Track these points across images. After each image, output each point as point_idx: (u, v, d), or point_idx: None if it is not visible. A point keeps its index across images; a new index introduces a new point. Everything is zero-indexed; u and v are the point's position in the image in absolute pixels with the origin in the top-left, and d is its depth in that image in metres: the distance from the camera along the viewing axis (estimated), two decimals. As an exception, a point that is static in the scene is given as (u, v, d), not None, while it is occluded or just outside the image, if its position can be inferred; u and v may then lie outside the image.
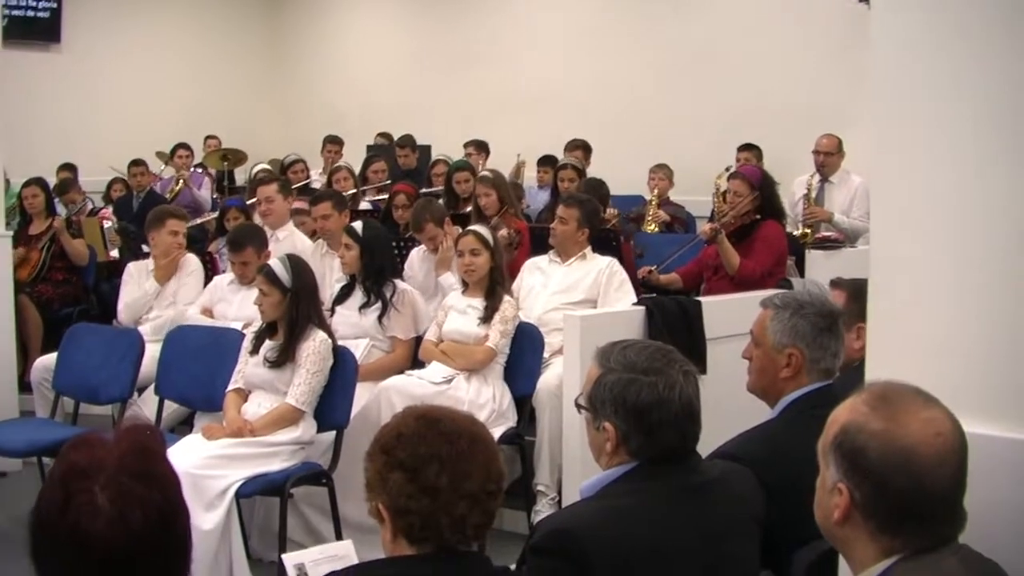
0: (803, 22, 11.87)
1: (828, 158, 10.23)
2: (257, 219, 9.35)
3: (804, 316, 3.99)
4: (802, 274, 8.62)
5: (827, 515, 2.67)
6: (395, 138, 14.45)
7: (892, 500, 2.56)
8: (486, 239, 7.32)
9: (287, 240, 8.90)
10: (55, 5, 16.23)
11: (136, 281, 8.73)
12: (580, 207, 7.96)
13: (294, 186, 11.74)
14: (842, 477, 2.61)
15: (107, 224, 11.87)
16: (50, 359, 8.13)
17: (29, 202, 10.97)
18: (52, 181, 12.36)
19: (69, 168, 14.28)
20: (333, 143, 14.10)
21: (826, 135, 10.32)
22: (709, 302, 7.21)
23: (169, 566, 2.33)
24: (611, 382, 3.29)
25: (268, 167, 12.33)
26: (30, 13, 15.96)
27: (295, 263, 6.69)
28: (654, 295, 7.75)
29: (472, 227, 7.61)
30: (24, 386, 8.99)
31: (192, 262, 8.78)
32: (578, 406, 3.45)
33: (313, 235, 9.30)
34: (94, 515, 2.23)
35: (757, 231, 8.35)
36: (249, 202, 9.86)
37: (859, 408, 2.64)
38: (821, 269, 8.33)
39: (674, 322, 6.80)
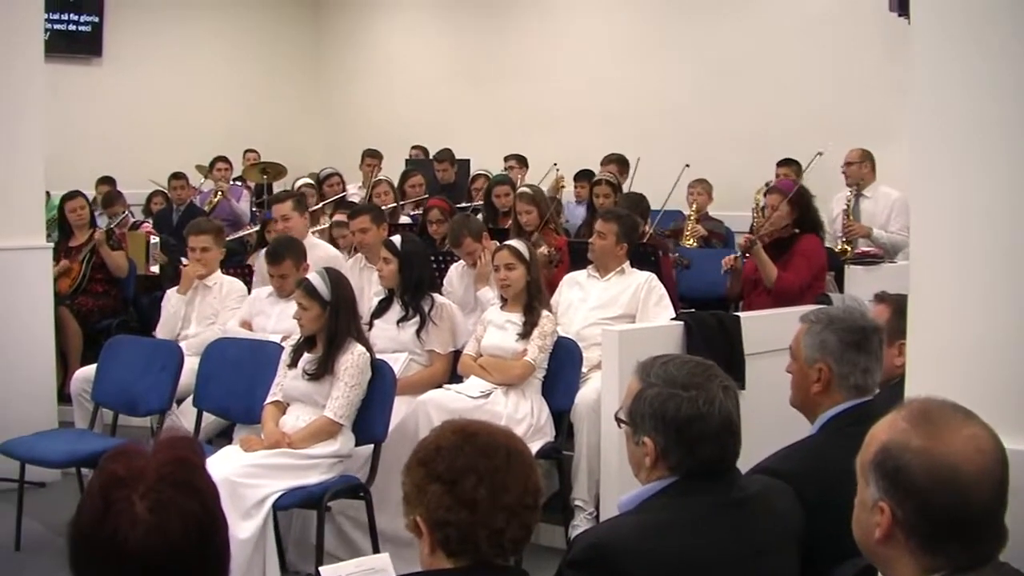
0: (842, 36, 11.82)
1: (849, 168, 10.21)
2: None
3: (833, 331, 3.98)
4: (841, 289, 8.58)
5: (867, 533, 2.65)
6: (430, 152, 14.46)
7: (935, 518, 2.54)
8: (521, 253, 7.32)
9: (312, 251, 8.90)
10: (97, 19, 16.33)
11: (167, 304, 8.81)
12: (619, 222, 7.95)
13: (329, 199, 11.77)
14: (883, 495, 2.59)
15: (153, 240, 11.93)
16: (89, 371, 8.16)
17: (77, 214, 11.02)
18: (91, 194, 12.42)
19: (108, 181, 14.35)
20: (372, 157, 14.12)
21: (854, 148, 10.30)
22: (748, 317, 7.19)
23: (206, 574, 2.34)
24: (651, 396, 3.29)
25: (309, 180, 12.36)
26: (72, 27, 16.08)
27: (334, 276, 6.70)
28: (692, 310, 7.72)
29: (508, 241, 7.60)
30: (64, 397, 9.04)
31: (237, 287, 8.81)
32: (618, 420, 3.44)
33: (352, 249, 9.31)
34: (133, 524, 2.24)
35: (795, 245, 8.32)
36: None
37: (899, 425, 2.63)
38: (861, 284, 8.30)
39: (713, 337, 6.78)
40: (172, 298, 8.74)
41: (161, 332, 8.68)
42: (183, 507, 2.27)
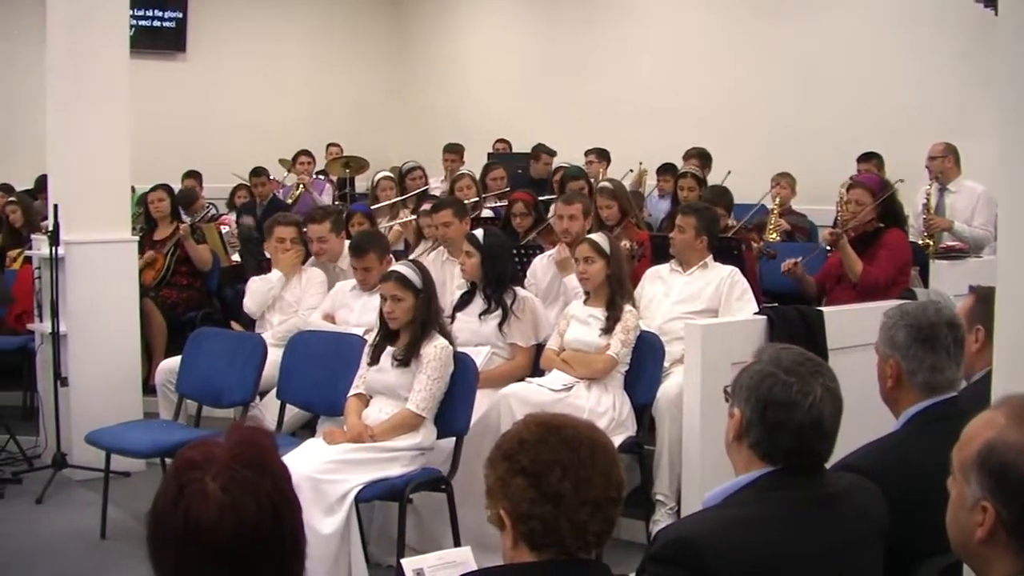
0: (924, 29, 11.68)
1: (933, 162, 10.12)
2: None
3: (903, 327, 3.95)
4: (926, 284, 8.51)
5: (966, 533, 2.59)
6: (513, 145, 14.46)
7: None
8: (601, 247, 7.29)
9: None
10: (181, 15, 16.54)
11: (261, 279, 8.85)
12: (697, 215, 7.92)
13: (411, 193, 11.79)
14: (987, 495, 2.53)
15: (225, 229, 12.03)
16: (174, 362, 8.25)
17: (155, 207, 11.14)
18: (176, 187, 12.53)
19: (194, 175, 14.51)
20: (452, 151, 14.15)
21: (938, 142, 10.21)
22: (831, 312, 7.13)
23: (283, 558, 2.35)
24: (754, 371, 3.31)
25: (390, 174, 12.38)
26: (156, 23, 16.31)
27: (420, 265, 6.75)
28: (776, 304, 7.68)
29: (589, 235, 7.58)
30: (148, 389, 9.13)
31: (317, 275, 8.85)
32: (725, 391, 3.43)
33: (434, 242, 9.32)
34: (205, 503, 2.27)
35: (880, 239, 8.26)
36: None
37: (1000, 422, 2.57)
38: (946, 279, 8.24)
39: (796, 332, 6.73)
40: (273, 274, 8.81)
41: (250, 301, 8.79)
42: (256, 485, 2.29)
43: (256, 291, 8.78)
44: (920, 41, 11.70)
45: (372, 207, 10.97)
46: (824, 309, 7.21)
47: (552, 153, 13.46)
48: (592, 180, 10.93)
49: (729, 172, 11.20)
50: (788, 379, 3.23)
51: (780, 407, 3.21)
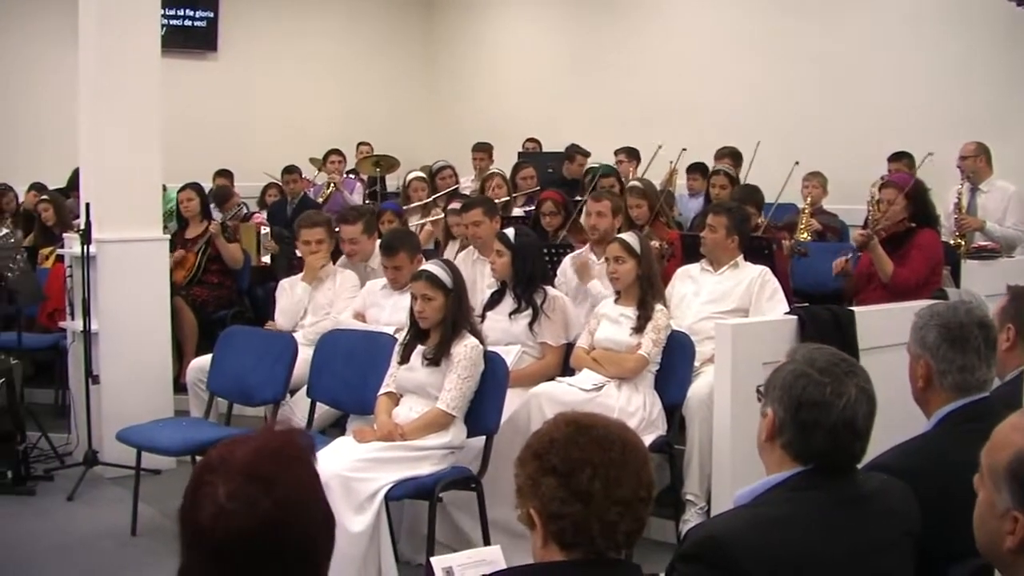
0: (955, 28, 11.64)
1: (964, 162, 10.08)
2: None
3: (933, 327, 3.94)
4: (958, 284, 8.47)
5: (995, 540, 2.57)
6: (543, 144, 14.45)
7: None
8: (632, 247, 7.28)
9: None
10: (212, 15, 16.61)
11: (288, 293, 8.85)
12: (728, 215, 7.91)
13: (442, 192, 11.81)
14: (1018, 506, 2.52)
15: (264, 230, 12.06)
16: (204, 360, 8.28)
17: (185, 206, 11.19)
18: (208, 186, 12.56)
19: (225, 174, 14.55)
20: (481, 150, 14.19)
21: (970, 142, 10.17)
22: (862, 312, 7.09)
23: (284, 569, 2.36)
24: (787, 370, 3.30)
25: (421, 173, 12.41)
26: (188, 23, 16.40)
27: (450, 265, 6.75)
28: (807, 304, 7.66)
29: (620, 235, 7.57)
30: (179, 387, 9.17)
31: (350, 278, 8.86)
32: (757, 391, 3.43)
33: (463, 241, 9.32)
34: (205, 507, 2.30)
35: (912, 239, 8.23)
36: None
37: None
38: (977, 279, 8.19)
39: (827, 332, 6.69)
40: (297, 287, 8.81)
41: (282, 319, 8.76)
42: (254, 501, 2.29)
43: (285, 310, 8.80)
44: (952, 40, 11.66)
45: (404, 207, 10.99)
46: (855, 309, 7.18)
47: (586, 154, 13.44)
48: (623, 179, 10.93)
49: (759, 142, 11.13)
50: (822, 379, 3.23)
51: (814, 407, 3.21)
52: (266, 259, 11.92)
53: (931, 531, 3.41)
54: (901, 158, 10.92)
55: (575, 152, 13.48)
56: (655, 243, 8.57)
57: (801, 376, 3.25)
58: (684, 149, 11.92)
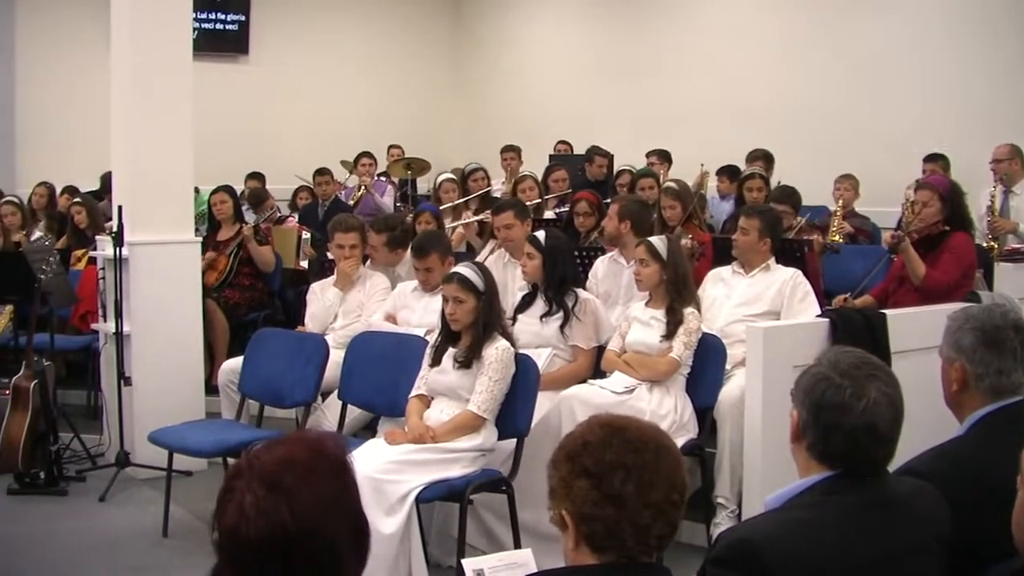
0: (989, 30, 11.59)
1: (998, 164, 10.05)
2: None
3: (968, 330, 3.91)
4: (991, 287, 8.43)
5: None
6: (574, 147, 14.45)
7: None
8: (657, 251, 7.26)
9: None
10: (243, 18, 16.68)
11: (319, 298, 8.87)
12: (761, 217, 7.89)
13: (473, 195, 11.81)
14: None
15: (305, 235, 12.09)
16: (236, 362, 8.30)
17: (218, 208, 11.23)
18: (239, 189, 12.60)
19: (257, 177, 14.59)
20: (510, 151, 14.18)
21: (1003, 144, 10.13)
22: (894, 315, 7.07)
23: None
24: (811, 373, 3.31)
25: (452, 176, 12.41)
26: (219, 26, 16.49)
27: (482, 267, 6.76)
28: (838, 307, 7.63)
29: (649, 238, 7.55)
30: (211, 388, 9.20)
31: (381, 281, 8.86)
32: (791, 394, 3.42)
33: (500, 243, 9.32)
34: (230, 513, 2.34)
35: (945, 242, 8.18)
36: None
37: None
38: (1010, 282, 8.16)
39: (859, 335, 6.67)
40: (328, 292, 8.82)
41: (312, 324, 8.78)
42: (274, 511, 2.32)
43: (316, 315, 8.84)
44: (985, 41, 11.61)
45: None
46: (887, 312, 7.16)
47: (606, 155, 13.42)
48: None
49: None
50: (842, 382, 3.22)
51: (832, 410, 3.21)
52: (303, 264, 11.95)
53: (966, 534, 3.39)
54: (936, 159, 10.89)
55: (595, 154, 13.46)
56: (685, 241, 8.57)
57: (822, 379, 3.26)
58: (703, 167, 11.92)
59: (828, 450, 3.22)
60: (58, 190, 13.34)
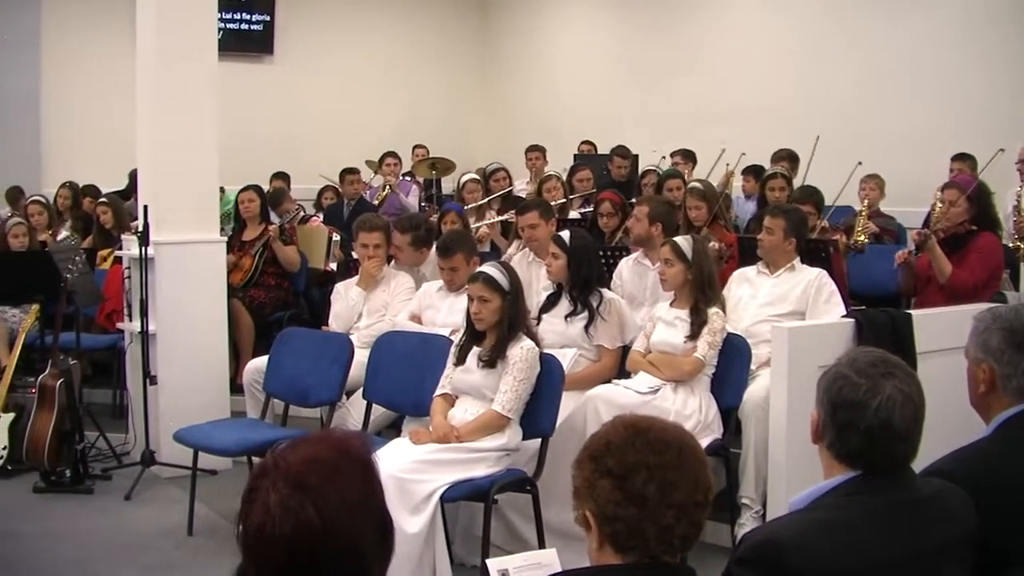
0: (1017, 27, 11.55)
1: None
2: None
3: (996, 331, 3.87)
4: (1017, 287, 8.41)
5: None
6: (598, 147, 14.43)
7: None
8: (682, 251, 7.25)
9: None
10: (268, 18, 16.75)
11: (343, 297, 8.87)
12: (786, 217, 7.87)
13: (495, 194, 11.81)
14: None
15: (336, 238, 12.11)
16: (261, 362, 8.31)
17: (245, 207, 11.26)
18: (265, 188, 12.62)
19: (282, 176, 14.62)
20: (535, 151, 14.18)
21: None
22: (920, 315, 7.05)
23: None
24: (830, 373, 3.30)
25: (476, 176, 12.42)
26: (244, 27, 16.55)
27: (507, 267, 6.76)
28: (864, 307, 7.62)
29: (674, 238, 7.53)
30: (236, 388, 9.22)
31: (405, 281, 8.87)
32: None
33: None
34: (256, 512, 2.34)
35: (972, 242, 8.17)
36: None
37: None
38: (1037, 282, 8.14)
39: (884, 335, 6.65)
40: (352, 292, 8.83)
41: (336, 324, 8.78)
42: (299, 510, 2.32)
43: (339, 315, 8.83)
44: (1013, 39, 11.56)
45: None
46: (913, 312, 7.14)
47: (626, 156, 13.40)
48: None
49: (818, 137, 11.03)
50: (858, 380, 3.21)
51: (848, 408, 3.20)
52: (332, 265, 11.96)
53: (993, 535, 3.38)
54: (964, 159, 10.84)
55: (616, 154, 13.45)
56: (713, 244, 8.55)
57: (839, 378, 3.25)
58: (743, 154, 11.91)
59: (846, 449, 3.21)
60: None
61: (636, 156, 13.55)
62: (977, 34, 11.87)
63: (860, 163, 10.26)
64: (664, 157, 12.85)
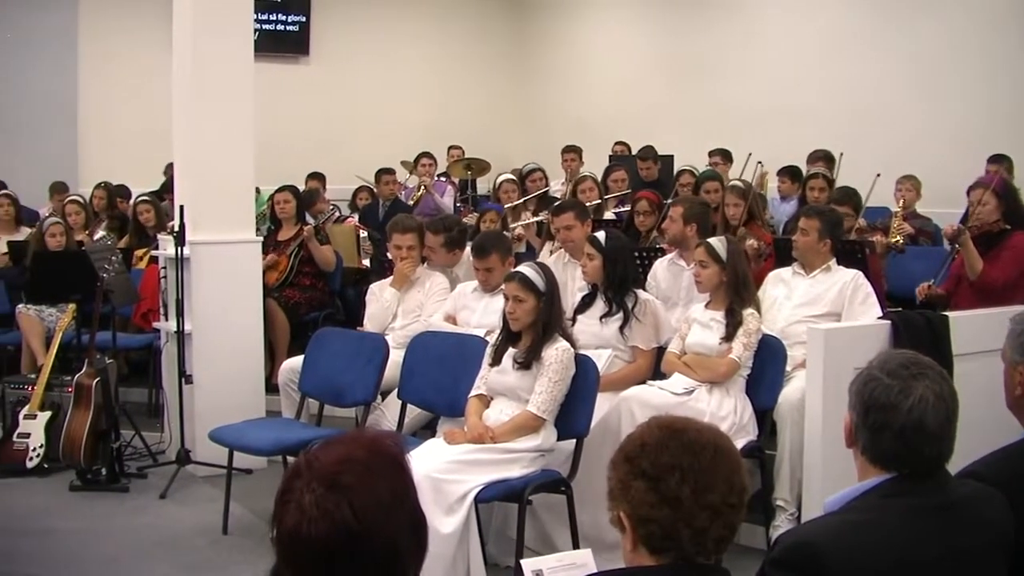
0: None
1: None
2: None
3: None
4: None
5: None
6: (632, 148, 14.41)
7: None
8: (717, 252, 7.24)
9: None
10: (304, 19, 16.81)
11: (378, 298, 8.88)
12: (820, 218, 7.84)
13: (531, 195, 11.81)
14: None
15: (363, 234, 12.14)
16: (296, 361, 8.33)
17: (281, 207, 11.30)
18: (300, 188, 12.66)
19: (317, 177, 14.66)
20: (570, 152, 14.17)
21: None
22: (957, 317, 7.01)
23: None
24: (862, 375, 3.28)
25: (511, 176, 12.42)
26: (280, 27, 16.63)
27: (544, 267, 6.76)
28: (900, 309, 7.58)
29: (709, 239, 7.51)
30: (271, 387, 9.24)
31: (440, 281, 8.86)
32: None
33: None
34: (290, 513, 2.34)
35: (1005, 241, 8.15)
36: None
37: None
38: (1072, 283, 8.09)
39: (920, 337, 6.62)
40: (386, 292, 8.83)
41: (371, 325, 8.78)
42: (334, 510, 2.32)
43: (374, 316, 8.83)
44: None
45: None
46: (950, 314, 7.10)
47: (655, 157, 13.36)
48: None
49: (879, 175, 10.94)
50: (890, 382, 3.20)
51: (880, 410, 3.18)
52: (366, 262, 11.98)
53: (1026, 540, 3.37)
54: (1000, 160, 10.78)
55: (637, 157, 13.43)
56: (752, 243, 8.54)
57: (871, 380, 3.23)
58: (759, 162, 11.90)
59: (880, 451, 3.20)
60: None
61: (671, 157, 13.51)
62: (1012, 33, 11.80)
63: (879, 174, 10.08)
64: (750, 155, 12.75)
